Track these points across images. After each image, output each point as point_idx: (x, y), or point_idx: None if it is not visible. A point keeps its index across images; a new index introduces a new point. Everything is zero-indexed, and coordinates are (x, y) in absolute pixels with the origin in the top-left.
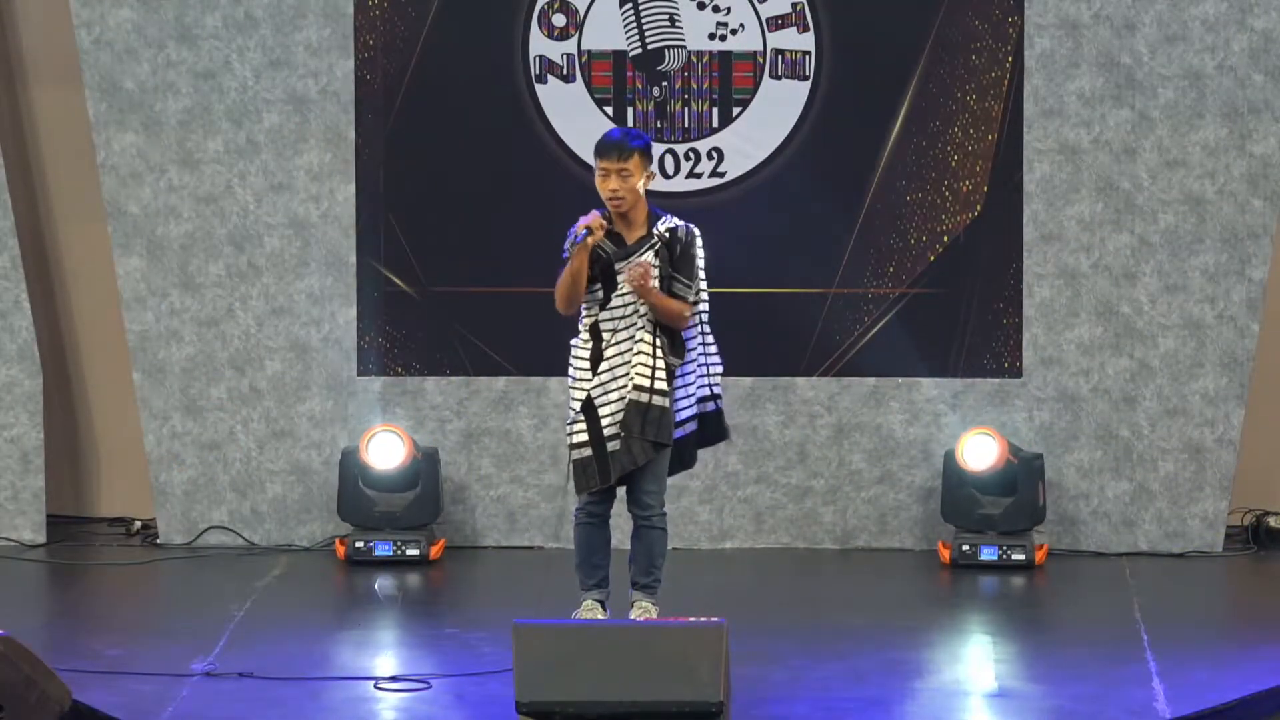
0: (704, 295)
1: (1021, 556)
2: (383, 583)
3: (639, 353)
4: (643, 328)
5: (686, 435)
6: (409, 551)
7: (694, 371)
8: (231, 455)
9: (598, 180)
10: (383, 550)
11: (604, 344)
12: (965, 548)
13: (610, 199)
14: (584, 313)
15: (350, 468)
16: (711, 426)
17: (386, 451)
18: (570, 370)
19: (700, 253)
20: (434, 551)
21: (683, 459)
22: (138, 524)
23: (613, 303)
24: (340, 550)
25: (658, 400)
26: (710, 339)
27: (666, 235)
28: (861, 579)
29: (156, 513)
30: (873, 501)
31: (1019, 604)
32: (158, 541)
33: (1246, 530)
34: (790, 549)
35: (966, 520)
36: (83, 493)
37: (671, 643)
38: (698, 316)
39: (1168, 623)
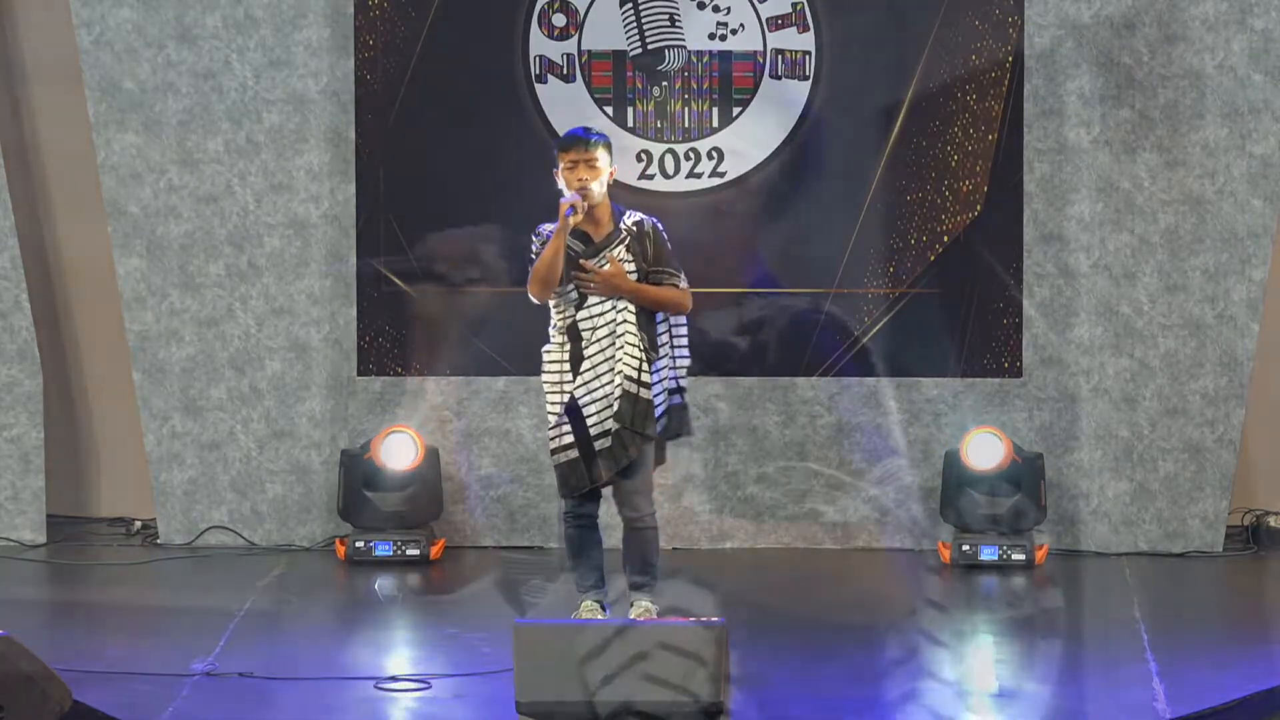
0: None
1: (1021, 556)
2: (382, 583)
3: (624, 346)
4: (623, 322)
5: (662, 431)
6: (409, 551)
7: (665, 366)
8: (231, 455)
9: (564, 173)
10: (383, 550)
11: (584, 344)
12: (965, 548)
13: (580, 189)
14: (556, 317)
15: (353, 469)
16: (675, 420)
17: (399, 452)
18: (545, 376)
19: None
20: (434, 551)
21: (659, 455)
22: (138, 524)
23: (589, 301)
24: (340, 550)
25: (644, 393)
26: (681, 332)
27: (634, 229)
28: (861, 579)
29: (156, 513)
30: (873, 501)
31: (1019, 604)
32: (158, 541)
33: (1246, 530)
34: (790, 549)
35: (966, 520)
36: (83, 493)
37: (671, 643)
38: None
39: (1168, 623)
